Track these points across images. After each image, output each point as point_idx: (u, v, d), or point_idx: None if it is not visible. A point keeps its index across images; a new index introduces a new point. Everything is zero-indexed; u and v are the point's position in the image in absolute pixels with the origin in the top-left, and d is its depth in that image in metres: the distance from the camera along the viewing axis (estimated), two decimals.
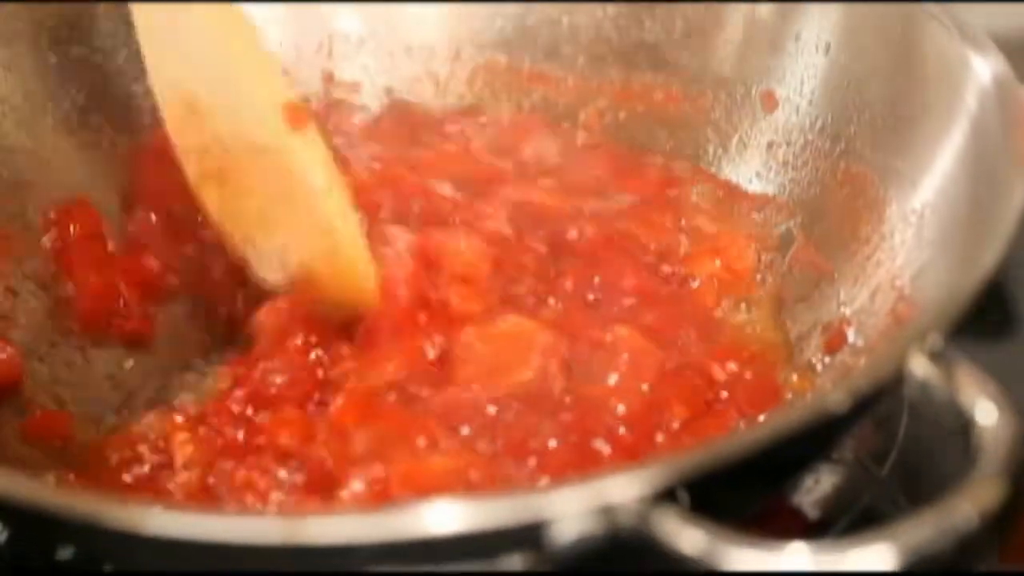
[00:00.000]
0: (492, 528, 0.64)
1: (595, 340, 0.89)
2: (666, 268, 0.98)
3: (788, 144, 1.05)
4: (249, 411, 0.87)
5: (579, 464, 0.79)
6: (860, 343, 0.91)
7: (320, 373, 0.88)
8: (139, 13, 0.94)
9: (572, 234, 0.98)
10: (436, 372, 0.87)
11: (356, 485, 0.78)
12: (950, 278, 0.81)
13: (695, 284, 0.97)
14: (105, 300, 0.98)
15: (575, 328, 0.90)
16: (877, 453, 0.90)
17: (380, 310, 0.89)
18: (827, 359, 0.92)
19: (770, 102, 1.07)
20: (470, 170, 1.04)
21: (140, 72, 0.98)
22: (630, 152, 1.10)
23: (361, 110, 1.17)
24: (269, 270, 0.95)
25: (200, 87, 0.92)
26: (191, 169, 0.95)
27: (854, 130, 1.00)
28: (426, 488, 0.77)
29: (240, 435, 0.85)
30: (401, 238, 0.92)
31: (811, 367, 0.93)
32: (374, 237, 0.92)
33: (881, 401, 0.74)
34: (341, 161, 0.96)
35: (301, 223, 0.92)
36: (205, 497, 0.82)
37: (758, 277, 1.00)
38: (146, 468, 0.86)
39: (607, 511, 0.63)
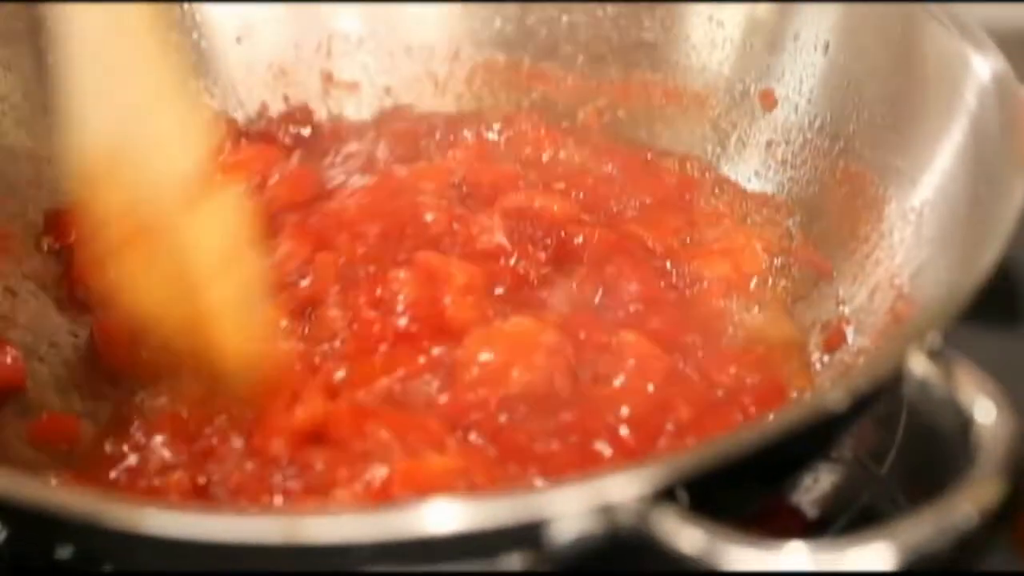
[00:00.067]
0: (491, 528, 0.64)
1: (601, 343, 0.88)
2: (674, 271, 0.98)
3: (787, 143, 1.06)
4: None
5: (582, 466, 0.79)
6: (859, 342, 0.91)
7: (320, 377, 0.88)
8: (73, 60, 0.87)
9: (578, 239, 0.98)
10: (440, 373, 0.87)
11: (356, 485, 0.78)
12: (949, 276, 0.81)
13: (703, 286, 0.97)
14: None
15: (580, 331, 0.89)
16: (876, 452, 0.90)
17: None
18: (826, 358, 0.92)
19: (769, 101, 1.07)
20: (476, 176, 1.04)
21: None
22: (642, 153, 1.10)
23: (365, 109, 1.17)
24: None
25: (125, 143, 0.86)
26: (102, 235, 0.88)
27: (853, 129, 1.00)
28: (427, 489, 0.77)
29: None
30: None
31: (810, 366, 0.93)
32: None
33: (880, 400, 0.74)
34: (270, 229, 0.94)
35: (188, 306, 0.87)
36: (199, 497, 0.82)
37: (768, 279, 0.99)
38: (133, 464, 0.86)
39: (606, 510, 0.63)
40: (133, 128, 0.86)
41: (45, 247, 1.01)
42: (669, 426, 0.83)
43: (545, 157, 1.09)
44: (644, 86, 1.14)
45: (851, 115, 1.01)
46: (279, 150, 1.08)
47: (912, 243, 0.90)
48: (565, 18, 1.16)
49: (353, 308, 0.91)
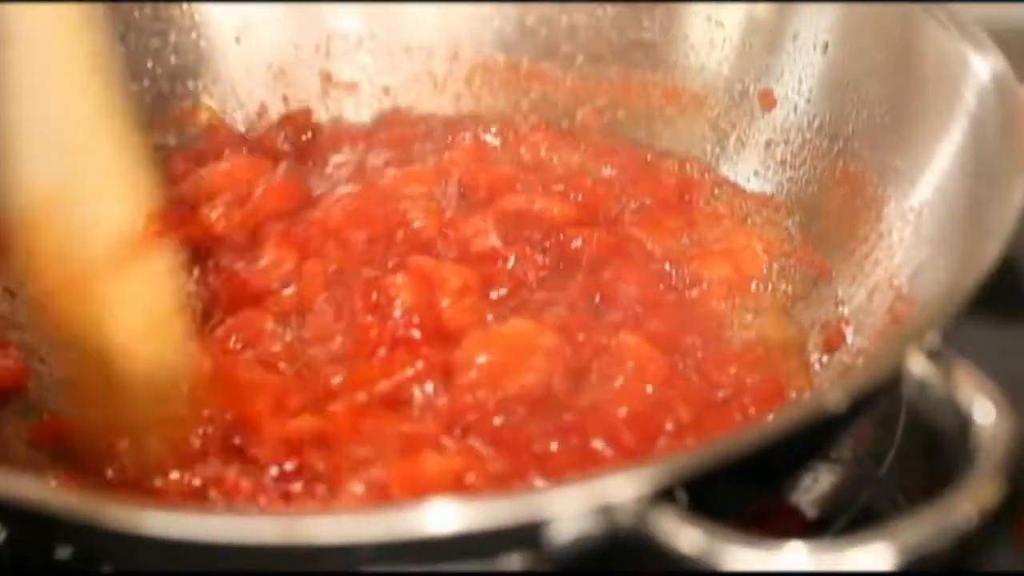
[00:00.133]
0: (491, 528, 0.64)
1: (599, 345, 0.88)
2: (674, 272, 0.98)
3: (786, 143, 1.06)
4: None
5: (582, 467, 0.79)
6: (858, 342, 0.91)
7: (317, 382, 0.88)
8: (13, 100, 0.85)
9: (577, 242, 0.97)
10: (437, 376, 0.87)
11: (356, 487, 0.78)
12: (949, 276, 0.81)
13: (703, 288, 0.97)
14: None
15: (579, 333, 0.89)
16: (875, 452, 0.90)
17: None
18: (825, 358, 0.92)
19: (768, 101, 1.07)
20: (473, 178, 1.04)
21: (138, 72, 0.98)
22: (641, 154, 1.10)
23: (364, 109, 1.17)
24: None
25: (62, 191, 0.85)
26: (41, 277, 0.88)
27: (852, 129, 1.00)
28: (426, 490, 0.77)
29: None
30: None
31: (809, 366, 0.93)
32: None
33: (879, 400, 0.74)
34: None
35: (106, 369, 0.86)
36: (196, 498, 0.82)
37: (767, 280, 0.99)
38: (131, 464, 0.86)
39: (605, 511, 0.63)
40: (71, 177, 0.86)
41: None
42: (669, 426, 0.83)
43: (543, 159, 1.09)
44: (643, 86, 1.14)
45: (850, 115, 1.01)
46: (267, 161, 1.07)
47: (911, 243, 0.90)
48: (564, 18, 1.16)
49: (349, 313, 0.91)
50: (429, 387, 0.86)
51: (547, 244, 0.97)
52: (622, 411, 0.83)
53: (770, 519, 0.84)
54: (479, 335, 0.88)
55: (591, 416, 0.83)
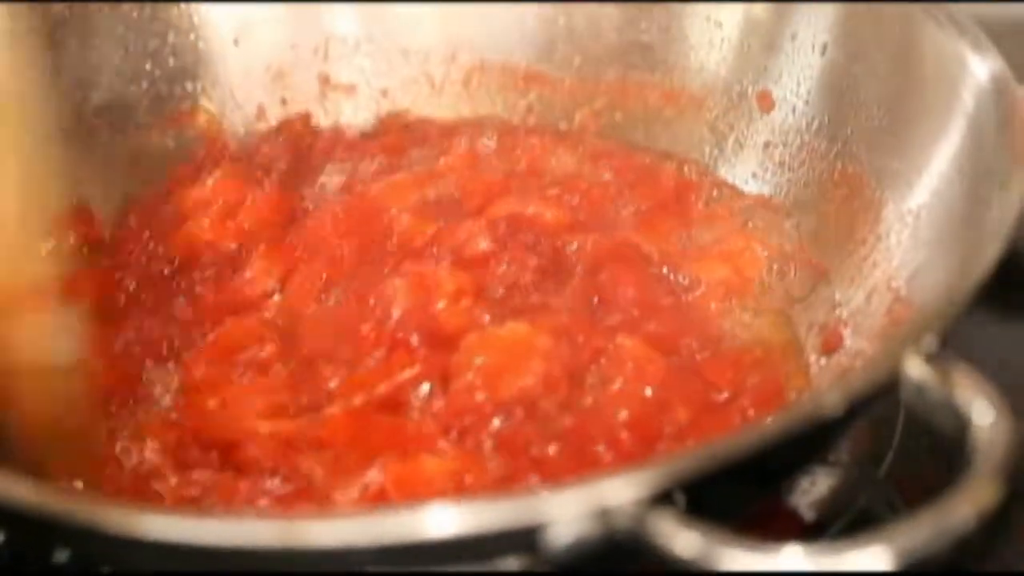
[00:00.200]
0: (488, 531, 0.64)
1: (597, 348, 0.88)
2: (672, 275, 0.98)
3: (784, 145, 1.05)
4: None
5: (580, 469, 0.79)
6: (856, 344, 0.91)
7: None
8: None
9: (572, 247, 0.97)
10: (435, 379, 0.87)
11: (354, 490, 0.78)
12: (947, 279, 0.81)
13: (702, 290, 0.97)
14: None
15: (576, 336, 0.89)
16: (873, 455, 0.90)
17: None
18: (824, 360, 0.92)
19: (766, 102, 1.07)
20: (467, 183, 1.04)
21: (137, 74, 0.98)
22: (639, 157, 1.10)
23: (362, 112, 1.17)
24: None
25: None
26: None
27: (851, 130, 1.00)
28: (423, 492, 0.77)
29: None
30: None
31: (808, 368, 0.93)
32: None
33: (877, 403, 0.74)
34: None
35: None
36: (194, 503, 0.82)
37: (766, 282, 0.99)
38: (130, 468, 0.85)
39: (603, 514, 0.63)
40: None
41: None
42: (667, 429, 0.83)
43: (539, 163, 1.09)
44: (641, 87, 1.14)
45: (848, 116, 1.01)
46: (258, 172, 1.07)
47: (909, 245, 0.90)
48: (562, 20, 1.16)
49: (344, 318, 0.91)
50: (426, 390, 0.86)
51: (541, 249, 0.97)
52: (621, 413, 0.83)
53: (768, 522, 0.84)
54: (476, 338, 0.88)
55: (589, 418, 0.83)
